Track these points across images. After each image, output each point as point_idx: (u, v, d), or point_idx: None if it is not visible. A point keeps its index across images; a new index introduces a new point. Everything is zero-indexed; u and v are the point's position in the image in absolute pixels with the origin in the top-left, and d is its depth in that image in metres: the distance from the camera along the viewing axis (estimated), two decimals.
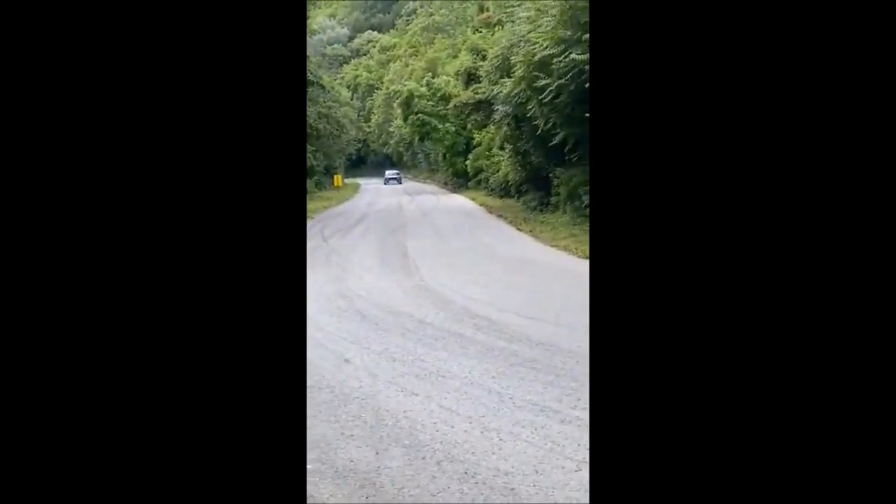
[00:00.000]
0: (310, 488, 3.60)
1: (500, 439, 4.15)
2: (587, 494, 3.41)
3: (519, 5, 17.99)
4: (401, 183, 45.24)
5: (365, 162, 50.64)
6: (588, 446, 3.62)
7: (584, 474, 3.63)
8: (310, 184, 24.64)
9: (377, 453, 4.03)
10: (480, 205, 22.70)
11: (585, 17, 11.51)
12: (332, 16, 45.52)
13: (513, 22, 17.62)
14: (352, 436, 4.30)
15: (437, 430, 4.30)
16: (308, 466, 3.81)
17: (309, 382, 5.19)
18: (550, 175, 16.69)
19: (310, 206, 20.73)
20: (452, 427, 4.37)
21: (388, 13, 51.62)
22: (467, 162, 27.76)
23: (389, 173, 46.68)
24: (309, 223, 19.03)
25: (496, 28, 22.59)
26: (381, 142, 48.86)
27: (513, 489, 3.59)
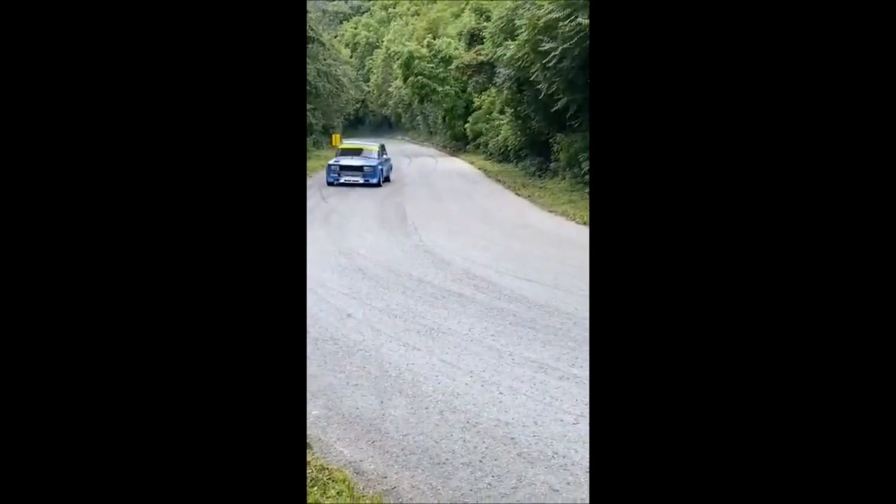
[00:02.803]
0: (317, 432, 3.78)
1: (500, 393, 4.30)
2: (585, 446, 3.64)
3: None
4: (376, 181, 16.16)
5: (363, 122, 48.99)
6: (587, 402, 3.90)
7: (582, 427, 3.80)
8: (308, 142, 24.84)
9: (381, 402, 4.18)
10: (479, 169, 22.79)
11: None
12: None
13: None
14: (357, 385, 4.44)
15: (439, 383, 4.43)
16: (315, 412, 4.00)
17: (313, 334, 5.33)
18: (550, 141, 16.86)
19: (308, 164, 19.90)
20: (454, 380, 4.51)
21: None
22: (466, 125, 27.94)
23: (343, 159, 17.15)
24: (307, 181, 19.19)
25: None
26: (379, 102, 48.41)
27: (513, 438, 3.71)
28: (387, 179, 16.13)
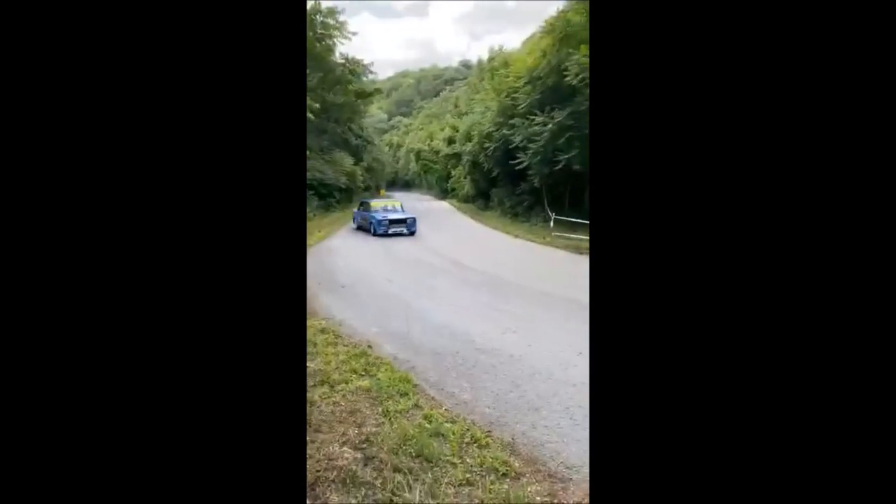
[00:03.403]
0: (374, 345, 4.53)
1: (466, 316, 5.60)
2: (503, 336, 4.96)
3: (475, 101, 27.15)
4: (408, 228, 15.62)
5: (395, 184, 72.33)
6: (517, 314, 5.29)
7: (500, 323, 4.93)
8: (368, 194, 34.69)
9: (406, 325, 5.35)
10: (453, 206, 30.63)
11: (511, 111, 18.30)
12: (379, 108, 73.76)
13: (472, 112, 27.12)
14: (388, 315, 5.61)
15: (438, 313, 5.69)
16: (375, 329, 4.88)
17: (364, 291, 6.68)
18: (488, 192, 24.26)
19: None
20: (439, 311, 5.80)
21: (408, 107, 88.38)
22: (447, 184, 40.75)
23: (382, 208, 17.34)
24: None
25: (464, 115, 34.05)
26: (403, 173, 72.14)
27: (472, 339, 4.82)
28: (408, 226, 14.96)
